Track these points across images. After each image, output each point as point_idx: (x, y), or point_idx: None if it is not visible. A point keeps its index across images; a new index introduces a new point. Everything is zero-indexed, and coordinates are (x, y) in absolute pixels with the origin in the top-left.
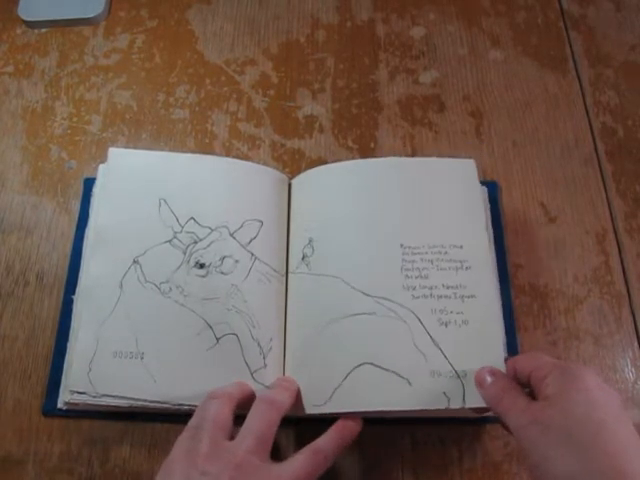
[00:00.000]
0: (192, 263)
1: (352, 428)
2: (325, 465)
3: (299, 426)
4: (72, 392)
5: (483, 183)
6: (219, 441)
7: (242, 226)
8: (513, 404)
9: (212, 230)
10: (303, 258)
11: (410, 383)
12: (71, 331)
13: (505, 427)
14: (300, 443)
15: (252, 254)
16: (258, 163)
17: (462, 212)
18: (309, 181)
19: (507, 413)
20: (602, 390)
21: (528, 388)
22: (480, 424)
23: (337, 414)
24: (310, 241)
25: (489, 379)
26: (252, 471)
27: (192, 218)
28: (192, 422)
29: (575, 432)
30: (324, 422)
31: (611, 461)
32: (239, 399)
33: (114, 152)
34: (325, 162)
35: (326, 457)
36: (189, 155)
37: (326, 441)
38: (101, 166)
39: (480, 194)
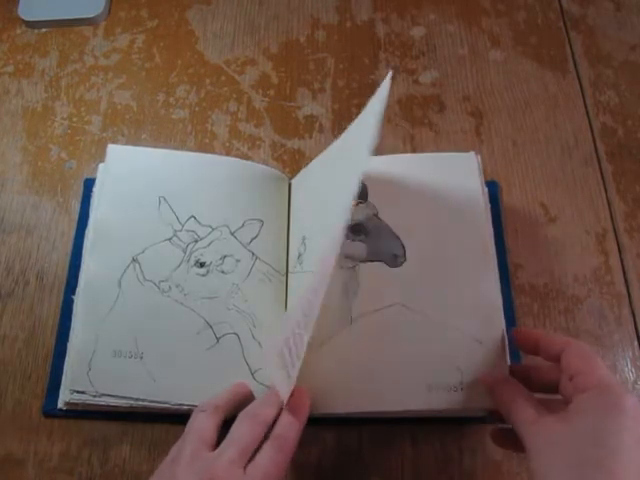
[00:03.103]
0: (192, 262)
1: (304, 404)
2: (293, 449)
3: None
4: (72, 391)
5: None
6: (199, 452)
7: (243, 225)
8: (522, 412)
9: (213, 229)
10: (299, 257)
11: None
12: (71, 331)
13: (497, 440)
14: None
15: (253, 253)
16: (258, 163)
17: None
18: (306, 178)
19: (516, 420)
20: (636, 421)
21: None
22: (480, 424)
23: (338, 414)
24: (303, 239)
25: (500, 383)
26: (191, 466)
27: (192, 216)
28: (184, 432)
29: (584, 452)
30: (323, 422)
31: None
32: (227, 409)
33: (113, 149)
34: None
35: (288, 441)
36: (189, 153)
37: (285, 425)
38: (101, 165)
39: (481, 190)
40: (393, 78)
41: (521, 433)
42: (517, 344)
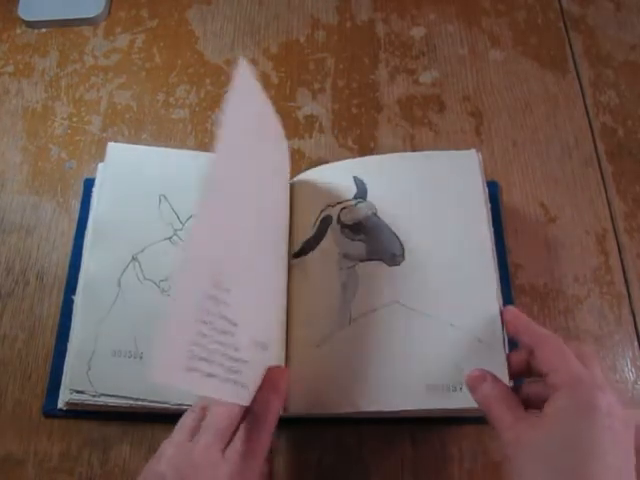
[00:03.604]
0: None
1: (281, 379)
2: (271, 426)
3: (297, 426)
4: (72, 391)
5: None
6: (182, 444)
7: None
8: (500, 418)
9: None
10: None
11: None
12: (71, 331)
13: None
14: (296, 443)
15: None
16: None
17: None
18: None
19: (494, 425)
20: (611, 417)
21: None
22: (480, 424)
23: (337, 414)
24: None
25: (482, 384)
26: (205, 466)
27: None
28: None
29: (558, 458)
30: (323, 422)
31: None
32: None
33: (113, 147)
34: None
35: (264, 417)
36: (190, 152)
37: (261, 402)
38: (100, 165)
39: (481, 189)
40: (393, 78)
41: (500, 439)
42: (506, 324)
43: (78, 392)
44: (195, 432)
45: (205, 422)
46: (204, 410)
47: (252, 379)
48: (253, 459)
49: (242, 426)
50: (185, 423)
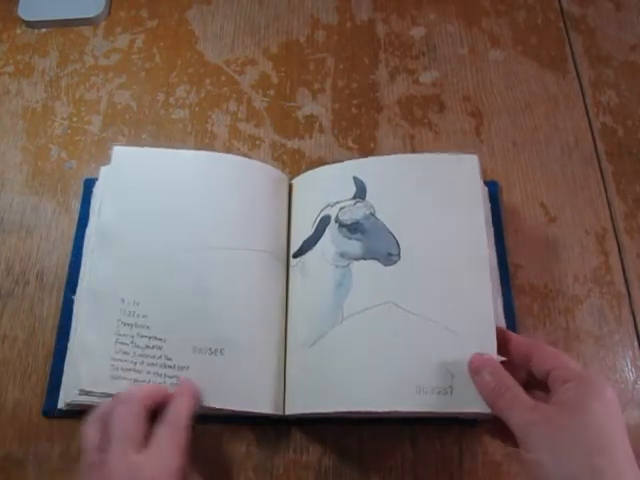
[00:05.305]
0: None
1: (190, 387)
2: (184, 423)
3: (297, 426)
4: (80, 392)
5: (484, 182)
6: (95, 461)
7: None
8: (517, 401)
9: None
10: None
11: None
12: (72, 331)
13: (490, 431)
14: (296, 443)
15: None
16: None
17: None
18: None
19: (510, 409)
20: (615, 406)
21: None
22: (480, 424)
23: (327, 414)
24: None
25: (485, 371)
26: (122, 472)
27: None
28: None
29: (591, 439)
30: (323, 422)
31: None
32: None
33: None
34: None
35: (186, 426)
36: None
37: (175, 404)
38: (103, 168)
39: (481, 194)
40: (393, 78)
41: (518, 422)
42: (498, 347)
43: (86, 393)
44: (104, 444)
45: (112, 430)
46: (103, 419)
47: (199, 380)
48: (171, 458)
49: (163, 431)
50: (89, 439)
